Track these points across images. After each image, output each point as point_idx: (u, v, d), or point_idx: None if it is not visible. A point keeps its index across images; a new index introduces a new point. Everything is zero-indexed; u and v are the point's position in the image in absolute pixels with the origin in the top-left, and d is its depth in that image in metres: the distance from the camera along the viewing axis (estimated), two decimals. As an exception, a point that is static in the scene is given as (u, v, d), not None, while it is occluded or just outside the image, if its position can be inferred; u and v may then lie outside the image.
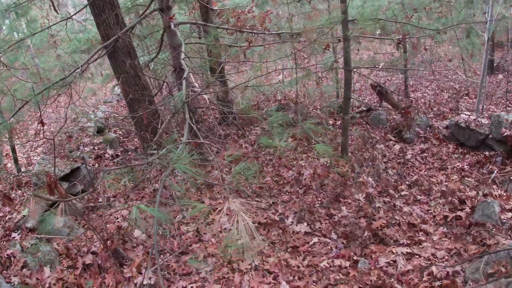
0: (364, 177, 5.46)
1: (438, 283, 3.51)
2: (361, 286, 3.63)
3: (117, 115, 9.28)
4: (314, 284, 3.73)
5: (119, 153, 7.15)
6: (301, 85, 8.73)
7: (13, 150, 6.96)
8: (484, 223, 4.39)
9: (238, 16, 6.51)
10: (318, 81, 9.09)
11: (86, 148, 7.14)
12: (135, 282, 3.93)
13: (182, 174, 2.41)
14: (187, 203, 5.40)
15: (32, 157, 8.16)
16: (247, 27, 6.45)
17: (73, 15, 6.35)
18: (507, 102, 9.54)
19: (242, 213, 2.36)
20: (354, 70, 6.23)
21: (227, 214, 4.97)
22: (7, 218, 5.24)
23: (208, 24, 6.43)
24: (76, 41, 7.65)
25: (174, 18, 5.64)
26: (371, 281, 3.65)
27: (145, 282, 3.87)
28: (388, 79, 13.73)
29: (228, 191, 5.49)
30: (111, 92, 11.59)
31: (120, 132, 8.25)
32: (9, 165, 7.71)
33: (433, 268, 3.68)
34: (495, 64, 13.66)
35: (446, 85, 12.54)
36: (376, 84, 8.38)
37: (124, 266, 4.24)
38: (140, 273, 4.04)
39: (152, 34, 7.06)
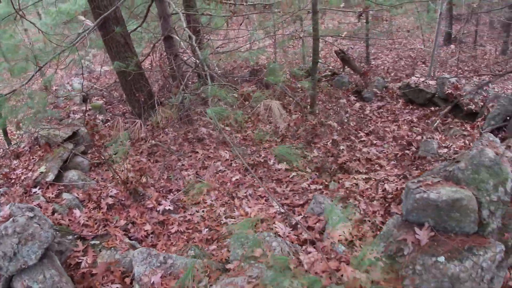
0: (330, 122, 7.27)
1: (390, 195, 5.33)
2: (332, 197, 5.38)
3: (95, 86, 10.56)
4: (297, 200, 5.48)
5: (109, 118, 8.57)
6: (272, 52, 10.41)
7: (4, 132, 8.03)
8: (425, 156, 6.30)
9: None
10: (285, 50, 10.84)
11: (76, 115, 8.47)
12: (157, 210, 5.50)
13: (224, 99, 3.90)
14: (182, 154, 7.01)
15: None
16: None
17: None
18: (458, 70, 11.70)
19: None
20: (321, 38, 7.93)
21: (219, 160, 6.68)
22: (22, 177, 6.45)
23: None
24: (60, 13, 8.79)
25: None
26: (340, 195, 5.42)
27: (167, 208, 5.48)
28: (351, 47, 15.70)
29: (217, 143, 7.17)
30: (77, 65, 12.60)
31: (103, 100, 9.61)
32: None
33: (386, 186, 5.51)
34: (452, 36, 16.00)
35: (405, 54, 14.68)
36: (339, 51, 10.19)
37: (144, 201, 5.77)
38: (160, 204, 5.62)
39: (135, 4, 8.37)
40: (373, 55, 14.13)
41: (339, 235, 3.95)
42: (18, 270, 3.77)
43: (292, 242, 4.20)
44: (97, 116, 8.57)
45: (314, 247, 3.88)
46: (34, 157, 6.95)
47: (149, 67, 8.77)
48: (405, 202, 3.55)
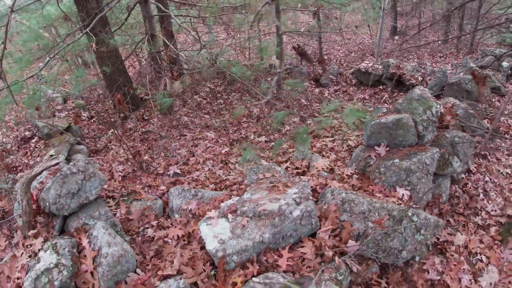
0: (299, 98, 9.38)
1: (353, 147, 7.42)
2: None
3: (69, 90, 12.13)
4: (281, 158, 7.47)
5: (93, 115, 10.22)
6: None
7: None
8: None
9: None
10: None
11: (61, 114, 10.05)
12: (168, 173, 7.30)
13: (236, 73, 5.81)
14: (173, 138, 8.84)
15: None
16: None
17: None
18: (402, 56, 14.27)
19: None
20: (284, 33, 10.04)
21: (206, 139, 8.58)
22: (31, 163, 8.04)
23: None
24: (47, 16, 10.24)
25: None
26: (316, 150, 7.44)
27: (176, 171, 7.30)
28: (305, 44, 18.15)
29: (202, 127, 9.04)
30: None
31: (82, 100, 11.23)
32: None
33: (349, 142, 7.62)
34: (398, 30, 18.92)
35: (354, 48, 17.27)
36: (298, 46, 12.41)
37: (152, 169, 7.53)
38: (168, 170, 7.41)
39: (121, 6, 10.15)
40: (325, 51, 16.58)
41: (321, 166, 5.97)
42: (79, 206, 4.92)
43: (287, 175, 6.18)
44: (82, 113, 10.19)
45: (304, 174, 5.88)
46: (38, 145, 8.48)
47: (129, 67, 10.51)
48: (365, 133, 5.64)
